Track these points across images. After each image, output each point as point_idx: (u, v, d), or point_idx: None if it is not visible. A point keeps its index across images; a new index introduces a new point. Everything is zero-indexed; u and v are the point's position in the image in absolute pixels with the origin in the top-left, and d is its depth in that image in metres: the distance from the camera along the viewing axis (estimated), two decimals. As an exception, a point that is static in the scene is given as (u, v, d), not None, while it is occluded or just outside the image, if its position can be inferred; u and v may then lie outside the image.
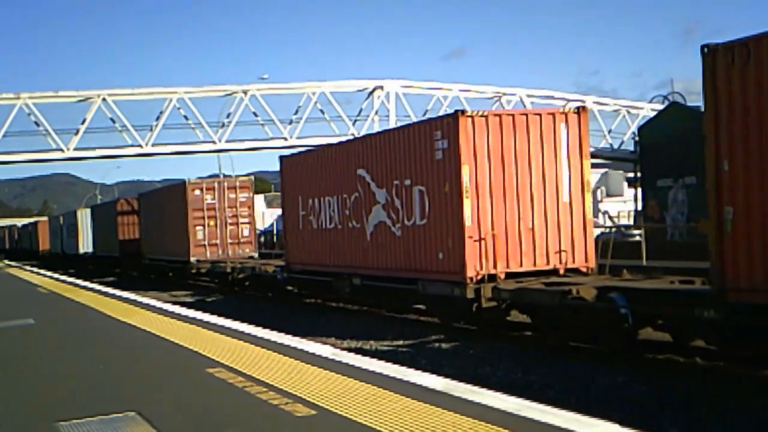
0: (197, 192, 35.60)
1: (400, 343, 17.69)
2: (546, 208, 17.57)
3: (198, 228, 35.51)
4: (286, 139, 50.46)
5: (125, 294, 22.75)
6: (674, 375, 12.67)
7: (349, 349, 14.18)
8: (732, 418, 10.29)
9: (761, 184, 10.92)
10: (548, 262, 17.57)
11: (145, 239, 44.04)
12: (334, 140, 48.35)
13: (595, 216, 56.05)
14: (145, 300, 20.41)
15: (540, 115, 17.82)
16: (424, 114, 54.16)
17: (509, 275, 17.19)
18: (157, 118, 48.79)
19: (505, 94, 55.13)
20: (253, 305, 26.96)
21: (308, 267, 24.79)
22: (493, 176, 17.28)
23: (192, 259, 35.36)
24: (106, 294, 22.90)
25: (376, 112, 53.05)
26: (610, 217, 44.84)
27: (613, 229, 39.19)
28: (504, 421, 6.66)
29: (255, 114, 50.64)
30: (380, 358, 10.91)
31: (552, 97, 56.54)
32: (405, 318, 21.11)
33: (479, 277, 17.04)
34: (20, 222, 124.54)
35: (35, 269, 47.51)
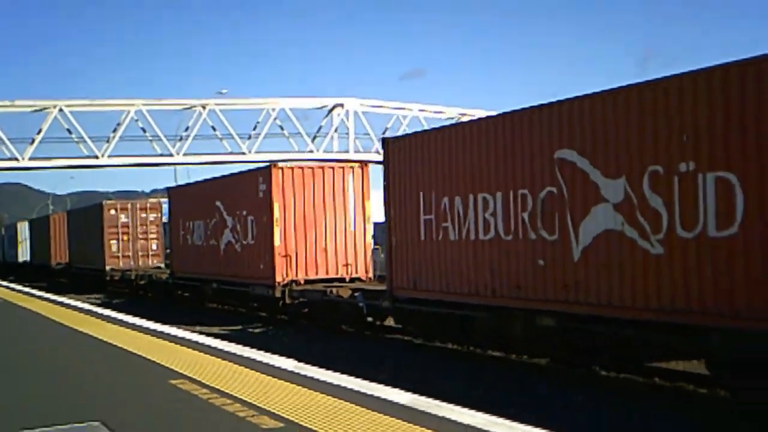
0: (113, 212, 42.28)
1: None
2: (336, 234, 24.57)
3: (113, 242, 42.16)
4: (244, 153, 50.95)
5: (79, 304, 23.96)
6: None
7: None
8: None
9: (404, 227, 18.07)
10: (338, 272, 24.53)
11: (72, 250, 50.43)
12: (294, 156, 50.85)
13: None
14: (103, 311, 21.18)
15: (333, 168, 24.92)
16: (384, 132, 53.65)
17: (308, 281, 24.17)
18: (114, 130, 48.86)
19: (465, 114, 54.68)
20: (146, 305, 33.67)
21: (186, 275, 31.68)
22: (297, 211, 24.28)
23: (107, 267, 41.97)
24: (58, 303, 23.91)
25: (336, 130, 53.67)
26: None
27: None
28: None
29: (213, 128, 50.92)
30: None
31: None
32: (244, 314, 28.00)
33: (285, 282, 24.03)
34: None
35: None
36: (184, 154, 50.90)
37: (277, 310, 24.84)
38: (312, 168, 24.84)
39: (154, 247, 43.03)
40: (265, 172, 24.54)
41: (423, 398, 8.37)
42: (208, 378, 9.91)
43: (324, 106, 54.37)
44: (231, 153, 51.23)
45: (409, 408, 7.86)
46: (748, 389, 11.17)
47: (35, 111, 48.51)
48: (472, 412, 7.71)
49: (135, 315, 20.67)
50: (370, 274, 24.96)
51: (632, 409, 11.93)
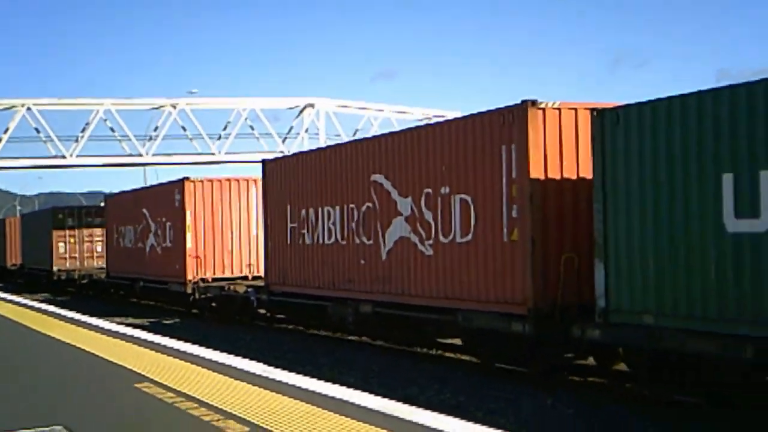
0: (60, 216, 45.81)
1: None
2: (241, 238, 28.35)
3: (60, 244, 45.68)
4: (214, 154, 51.61)
5: (44, 306, 25.06)
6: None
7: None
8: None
9: (277, 233, 21.91)
10: (242, 272, 28.32)
11: (25, 252, 53.82)
12: (266, 156, 50.41)
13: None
14: (66, 312, 21.74)
15: (239, 181, 28.72)
16: (354, 133, 53.80)
17: (215, 279, 27.95)
18: (83, 130, 49.09)
19: (429, 116, 55.13)
20: (86, 302, 37.33)
21: (119, 274, 35.38)
22: (206, 217, 28.04)
23: (54, 268, 45.48)
24: (23, 305, 24.88)
25: (306, 130, 54.03)
26: None
27: None
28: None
29: (183, 128, 50.89)
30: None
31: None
32: (165, 308, 31.78)
33: (195, 280, 27.80)
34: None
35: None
36: (154, 155, 51.08)
37: (189, 304, 28.61)
38: (220, 181, 28.60)
39: (99, 249, 46.46)
40: (180, 184, 28.32)
41: (393, 403, 8.42)
42: (172, 381, 9.91)
43: (295, 107, 54.37)
44: (200, 153, 51.57)
45: (377, 412, 7.84)
46: (486, 355, 15.16)
47: (2, 109, 48.75)
48: (444, 417, 7.74)
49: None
50: (271, 273, 28.75)
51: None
